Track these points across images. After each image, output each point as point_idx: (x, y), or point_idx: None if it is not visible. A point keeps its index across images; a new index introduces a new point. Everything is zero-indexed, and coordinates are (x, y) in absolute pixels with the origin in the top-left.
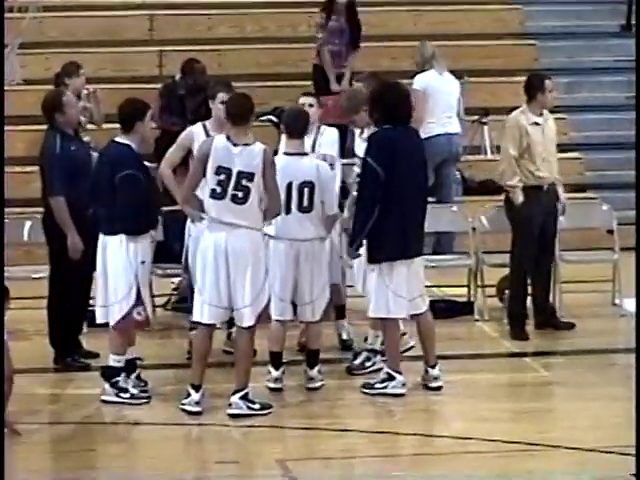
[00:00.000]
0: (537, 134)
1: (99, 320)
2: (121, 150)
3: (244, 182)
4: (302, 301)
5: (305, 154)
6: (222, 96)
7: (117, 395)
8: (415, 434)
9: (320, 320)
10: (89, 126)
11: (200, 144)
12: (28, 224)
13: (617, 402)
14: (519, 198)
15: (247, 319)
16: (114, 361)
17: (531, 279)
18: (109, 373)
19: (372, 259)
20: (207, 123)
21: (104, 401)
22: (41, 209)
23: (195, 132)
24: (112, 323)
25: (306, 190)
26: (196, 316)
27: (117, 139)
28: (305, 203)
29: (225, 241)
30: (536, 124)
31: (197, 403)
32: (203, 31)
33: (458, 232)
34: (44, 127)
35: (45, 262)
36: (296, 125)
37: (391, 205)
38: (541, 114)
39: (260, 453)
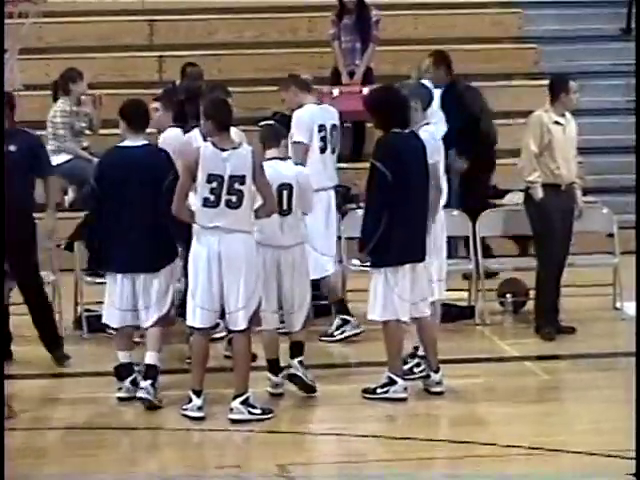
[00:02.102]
0: (559, 133)
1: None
2: (161, 150)
3: (237, 185)
4: (285, 311)
5: (283, 159)
6: None
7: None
8: (416, 438)
9: (303, 328)
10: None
11: (186, 154)
12: None
13: (618, 406)
14: (539, 194)
15: (240, 322)
16: (156, 360)
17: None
18: (152, 374)
19: (378, 263)
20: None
21: (141, 398)
22: (42, 213)
23: (193, 139)
24: (149, 324)
25: (285, 192)
26: (189, 320)
27: (143, 141)
28: (284, 206)
29: (218, 245)
30: (558, 123)
31: (199, 408)
32: (203, 36)
33: (458, 237)
34: (44, 132)
35: (47, 267)
36: (274, 137)
37: (398, 209)
38: (563, 115)
39: (261, 458)
